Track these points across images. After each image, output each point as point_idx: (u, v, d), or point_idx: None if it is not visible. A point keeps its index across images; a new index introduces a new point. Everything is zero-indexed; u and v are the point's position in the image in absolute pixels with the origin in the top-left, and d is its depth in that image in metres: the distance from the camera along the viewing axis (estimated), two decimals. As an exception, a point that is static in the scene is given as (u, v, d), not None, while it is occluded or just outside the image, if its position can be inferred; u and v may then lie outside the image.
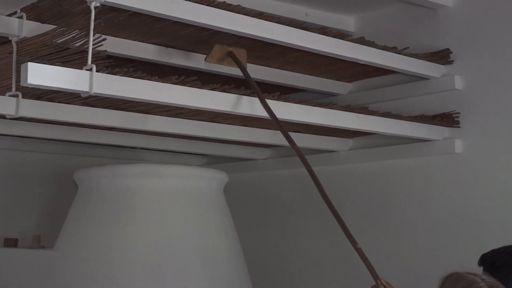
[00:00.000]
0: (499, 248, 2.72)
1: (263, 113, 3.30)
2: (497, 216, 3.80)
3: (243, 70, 3.35)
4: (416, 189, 4.20)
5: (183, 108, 3.34)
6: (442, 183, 4.07)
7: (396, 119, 3.92)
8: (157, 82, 2.92)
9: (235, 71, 3.51)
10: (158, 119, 3.72)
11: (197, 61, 3.81)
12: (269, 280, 4.97)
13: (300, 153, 3.07)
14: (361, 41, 3.68)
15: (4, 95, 3.04)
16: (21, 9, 3.09)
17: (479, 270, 2.56)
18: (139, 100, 2.99)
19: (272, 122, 3.23)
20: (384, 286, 2.75)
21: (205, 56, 3.41)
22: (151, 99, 2.95)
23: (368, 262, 2.86)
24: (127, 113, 3.59)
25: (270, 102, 3.29)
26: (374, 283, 2.78)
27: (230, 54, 3.38)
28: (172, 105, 3.15)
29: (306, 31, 3.41)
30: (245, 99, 3.28)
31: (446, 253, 3.99)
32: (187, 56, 3.78)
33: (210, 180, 4.27)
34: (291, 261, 4.90)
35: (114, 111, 3.53)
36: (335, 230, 4.64)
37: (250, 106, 3.31)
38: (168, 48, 3.71)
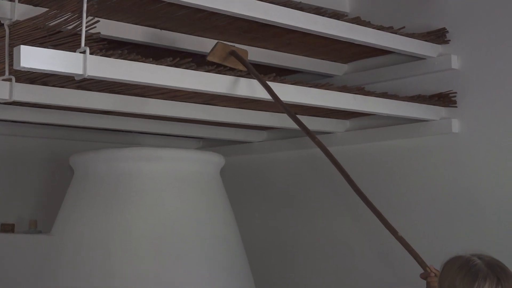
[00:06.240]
0: None
1: (262, 95, 3.29)
2: (494, 195, 3.80)
3: (249, 67, 3.30)
4: (413, 169, 4.19)
5: (179, 90, 3.32)
6: (439, 163, 4.06)
7: (393, 99, 3.91)
8: (151, 64, 2.90)
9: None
10: (154, 102, 3.70)
11: (192, 44, 3.78)
12: (266, 261, 4.98)
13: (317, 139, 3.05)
14: (357, 21, 3.65)
15: (-3, 79, 3.02)
16: (13, -8, 3.05)
17: (480, 250, 2.53)
18: (133, 83, 2.97)
19: (269, 104, 3.21)
20: (434, 273, 2.63)
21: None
22: (146, 82, 2.92)
23: (413, 250, 2.78)
24: (122, 97, 3.57)
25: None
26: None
27: (233, 53, 3.32)
28: (167, 87, 3.13)
29: (301, 12, 3.38)
30: (243, 81, 3.26)
31: (443, 232, 3.99)
32: (181, 38, 3.75)
33: (207, 163, 4.26)
34: (287, 242, 4.91)
35: (109, 94, 3.51)
36: (332, 212, 4.68)
37: (249, 88, 3.29)
38: (163, 30, 3.68)
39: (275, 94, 3.19)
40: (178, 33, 3.74)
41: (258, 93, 3.33)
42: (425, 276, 2.67)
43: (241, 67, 3.31)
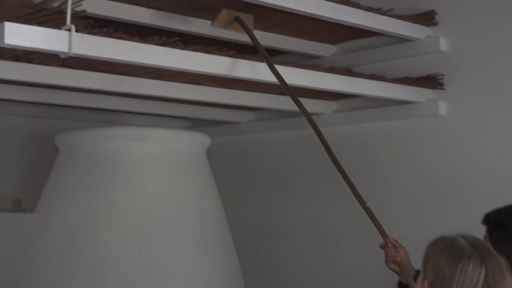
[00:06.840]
0: (504, 207, 2.69)
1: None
2: (481, 178, 3.82)
3: (251, 35, 3.28)
4: (400, 151, 4.20)
5: (166, 69, 3.29)
6: (426, 145, 4.07)
7: (380, 81, 3.90)
8: (138, 43, 2.87)
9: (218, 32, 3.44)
10: (140, 81, 3.67)
11: (178, 23, 3.74)
12: (251, 241, 4.99)
13: (310, 117, 3.06)
14: (346, 2, 3.63)
15: (-19, 57, 2.99)
16: (-3, -32, 3.00)
17: (467, 231, 2.53)
18: (119, 61, 2.93)
19: (257, 84, 3.19)
20: (392, 244, 2.80)
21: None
22: (132, 60, 2.89)
23: (377, 220, 2.88)
24: (108, 75, 3.54)
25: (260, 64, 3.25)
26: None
27: (237, 19, 3.31)
28: (153, 66, 3.10)
29: (290, -8, 3.36)
30: (230, 60, 3.24)
31: (429, 215, 4.00)
32: (168, 17, 3.71)
33: (193, 143, 4.24)
34: (273, 223, 4.92)
35: (94, 73, 3.48)
36: (317, 193, 4.68)
37: (236, 68, 3.27)
38: (150, 9, 3.64)
39: (274, 67, 3.17)
40: (166, 12, 3.69)
41: (247, 73, 3.31)
42: (383, 246, 2.84)
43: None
